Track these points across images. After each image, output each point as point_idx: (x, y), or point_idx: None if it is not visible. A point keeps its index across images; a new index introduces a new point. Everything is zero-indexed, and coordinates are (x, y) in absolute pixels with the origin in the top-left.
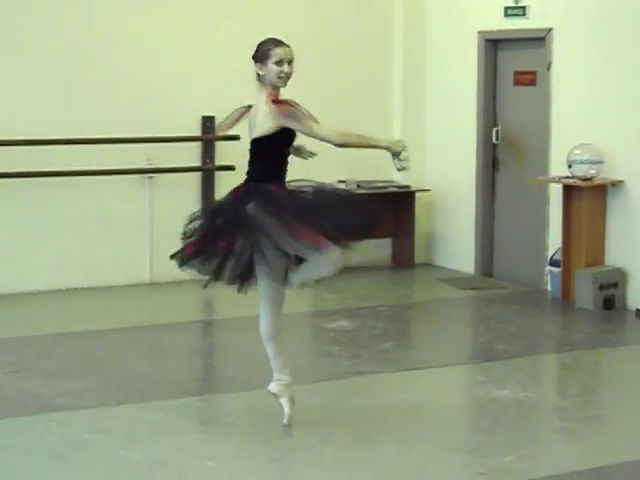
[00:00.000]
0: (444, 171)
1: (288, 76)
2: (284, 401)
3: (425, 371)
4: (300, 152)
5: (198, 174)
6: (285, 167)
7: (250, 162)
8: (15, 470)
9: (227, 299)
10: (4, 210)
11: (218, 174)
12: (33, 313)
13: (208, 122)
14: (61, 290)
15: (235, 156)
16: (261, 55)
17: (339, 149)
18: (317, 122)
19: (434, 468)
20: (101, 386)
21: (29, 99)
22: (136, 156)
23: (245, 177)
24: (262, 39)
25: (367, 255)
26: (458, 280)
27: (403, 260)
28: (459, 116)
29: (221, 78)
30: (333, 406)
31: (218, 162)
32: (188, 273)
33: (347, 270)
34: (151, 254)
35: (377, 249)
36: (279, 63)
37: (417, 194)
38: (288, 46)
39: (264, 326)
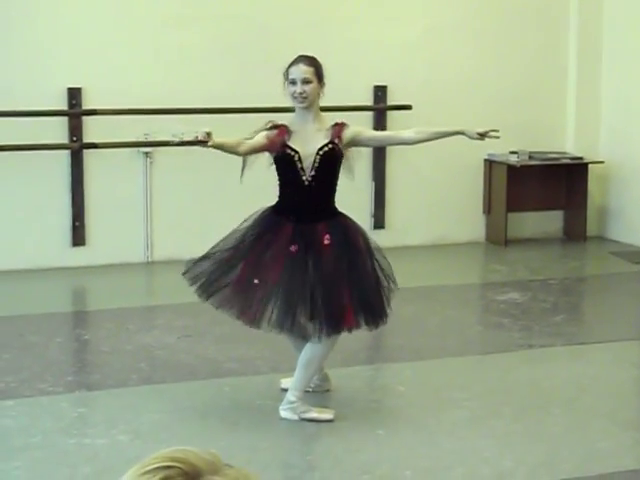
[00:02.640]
0: (620, 142)
1: (303, 97)
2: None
3: (596, 345)
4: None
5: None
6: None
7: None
8: (189, 432)
9: (397, 269)
10: (182, 176)
11: None
12: None
13: (380, 91)
14: None
15: (407, 126)
16: (284, 76)
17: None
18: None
19: (605, 444)
20: (272, 353)
21: (208, 68)
22: None
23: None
24: None
25: (538, 227)
26: (632, 254)
27: (575, 233)
28: (637, 85)
29: (393, 47)
30: (503, 378)
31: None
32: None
33: (518, 242)
34: None
35: (548, 221)
36: (293, 83)
37: (590, 166)
38: (309, 65)
39: None
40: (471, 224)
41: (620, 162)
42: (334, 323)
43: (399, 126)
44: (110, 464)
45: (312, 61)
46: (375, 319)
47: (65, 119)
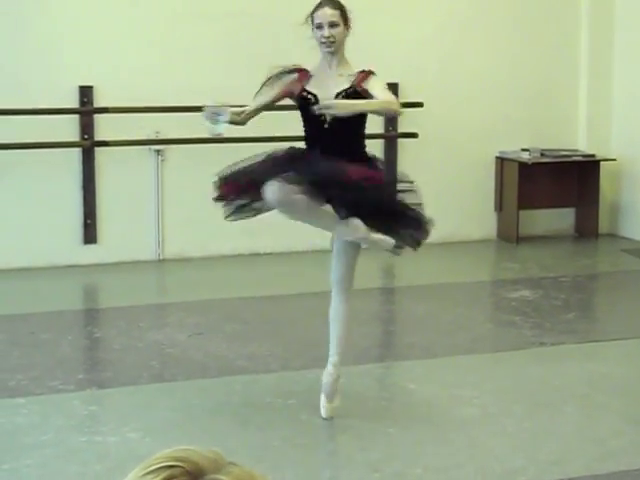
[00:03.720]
0: (631, 139)
1: (331, 41)
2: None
3: (609, 343)
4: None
5: (381, 141)
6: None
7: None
8: (200, 430)
9: (408, 266)
10: (193, 174)
11: (401, 141)
12: (219, 277)
13: (391, 89)
14: (245, 255)
15: (418, 123)
16: (310, 20)
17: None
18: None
19: (617, 441)
20: (283, 351)
21: (219, 66)
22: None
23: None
24: None
25: (550, 224)
26: None
27: (586, 230)
28: None
29: (404, 45)
30: (514, 376)
31: (401, 129)
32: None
33: (530, 240)
34: None
35: (560, 219)
36: (319, 27)
37: (602, 163)
38: (335, 7)
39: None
40: (483, 221)
41: (632, 159)
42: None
43: (411, 124)
44: (121, 462)
45: (337, 4)
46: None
47: (77, 117)
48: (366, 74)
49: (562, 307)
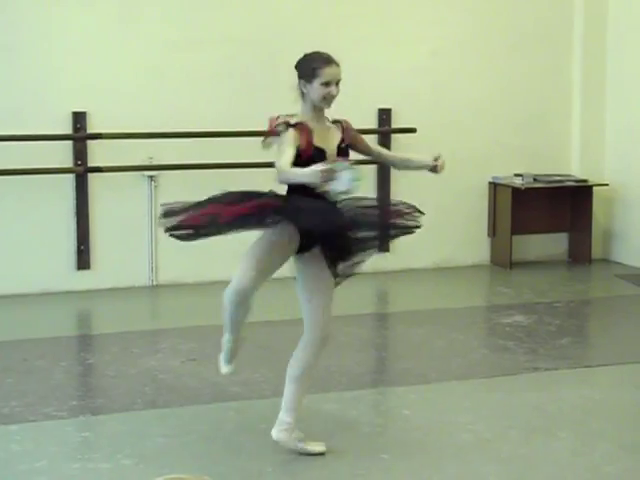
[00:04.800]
0: (624, 165)
1: (334, 98)
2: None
3: (603, 368)
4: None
5: (373, 167)
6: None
7: None
8: (193, 457)
9: (402, 292)
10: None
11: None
12: (212, 303)
13: (384, 114)
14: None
15: (411, 149)
16: (307, 72)
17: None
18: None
19: (611, 468)
20: (276, 377)
21: (213, 92)
22: None
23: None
24: (309, 52)
25: (543, 250)
26: (637, 276)
27: (580, 255)
28: None
29: (397, 70)
30: (509, 402)
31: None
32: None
33: (523, 265)
34: None
35: (553, 244)
36: (327, 84)
37: (595, 188)
38: (338, 65)
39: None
40: (476, 247)
41: (625, 185)
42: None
43: (404, 150)
44: None
45: (337, 61)
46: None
47: (70, 143)
48: (347, 126)
49: (556, 332)
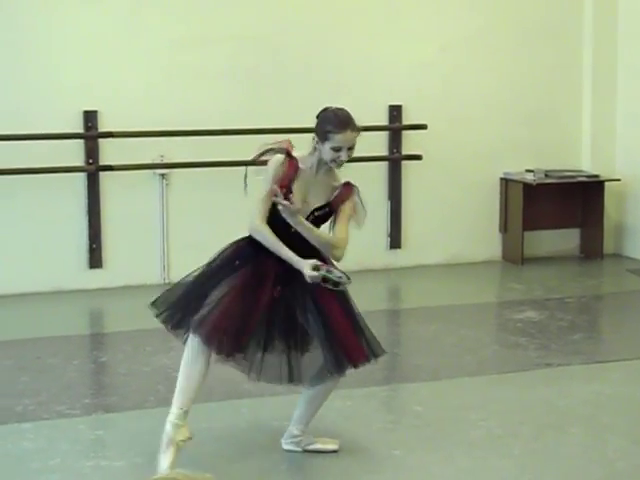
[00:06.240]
0: (636, 159)
1: (343, 163)
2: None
3: (615, 364)
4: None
5: (385, 163)
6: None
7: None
8: (205, 454)
9: (413, 288)
10: (198, 198)
11: (405, 163)
12: None
13: (395, 111)
14: None
15: (422, 145)
16: (320, 132)
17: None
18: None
19: (624, 463)
20: None
21: (222, 90)
22: None
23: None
24: (327, 108)
25: (555, 245)
26: None
27: (591, 251)
28: None
29: (407, 67)
30: (520, 398)
31: (405, 151)
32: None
33: (535, 260)
34: None
35: (565, 239)
36: (337, 149)
37: (606, 183)
38: (355, 129)
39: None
40: (487, 243)
41: (636, 179)
42: (347, 359)
43: (415, 146)
44: None
45: (357, 125)
46: (377, 350)
47: (81, 142)
48: (348, 193)
49: (568, 328)
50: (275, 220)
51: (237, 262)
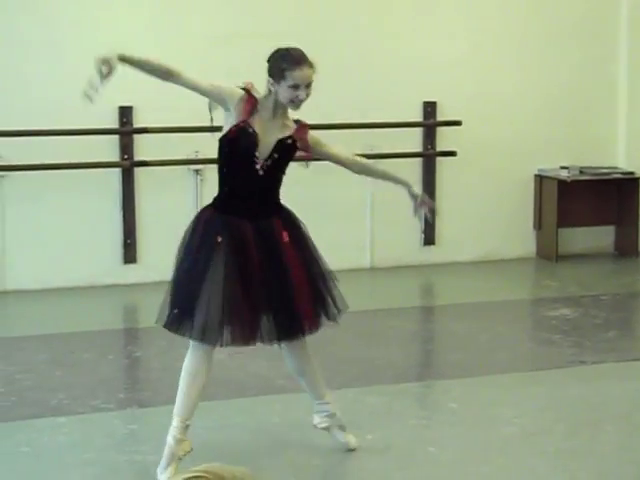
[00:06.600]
0: None
1: (302, 102)
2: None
3: None
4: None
5: (419, 160)
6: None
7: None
8: (238, 449)
9: (448, 285)
10: None
11: (439, 160)
12: None
13: (429, 107)
14: None
15: (457, 142)
16: (275, 71)
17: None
18: None
19: None
20: (322, 369)
21: (258, 84)
22: (358, 141)
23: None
24: (279, 48)
25: (589, 242)
26: None
27: (626, 248)
28: None
29: (442, 63)
30: (554, 395)
31: (439, 148)
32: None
33: (569, 258)
34: (372, 239)
35: (599, 237)
36: (294, 87)
37: None
38: (310, 66)
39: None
40: (522, 239)
41: None
42: (297, 327)
43: (449, 143)
44: None
45: (311, 61)
46: (337, 311)
47: (116, 137)
48: (305, 128)
49: (602, 325)
50: (235, 164)
51: (219, 239)
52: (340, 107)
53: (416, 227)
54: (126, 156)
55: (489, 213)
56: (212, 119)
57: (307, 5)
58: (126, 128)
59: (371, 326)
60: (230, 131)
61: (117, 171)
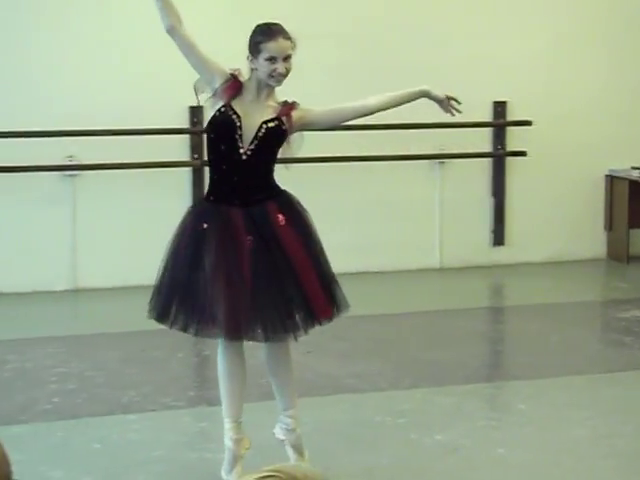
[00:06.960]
0: None
1: (283, 75)
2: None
3: None
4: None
5: (489, 160)
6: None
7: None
8: (308, 448)
9: (517, 286)
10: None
11: (509, 160)
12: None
13: (499, 107)
14: (353, 273)
15: (527, 142)
16: (252, 46)
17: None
18: None
19: None
20: (392, 369)
21: (326, 88)
22: (427, 142)
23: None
24: (259, 23)
25: None
26: None
27: None
28: None
29: (512, 63)
30: (625, 397)
31: (509, 148)
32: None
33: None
34: (441, 239)
35: None
36: (271, 60)
37: None
38: (287, 37)
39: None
40: (592, 240)
41: None
42: (314, 316)
43: (519, 143)
44: None
45: (288, 32)
46: (340, 307)
47: (187, 137)
48: (291, 105)
49: None
50: (220, 148)
51: (205, 225)
52: (410, 107)
53: (485, 227)
54: (196, 155)
55: (559, 214)
56: (198, 101)
57: (376, 5)
58: (196, 128)
59: (440, 326)
60: (213, 116)
61: (187, 170)
